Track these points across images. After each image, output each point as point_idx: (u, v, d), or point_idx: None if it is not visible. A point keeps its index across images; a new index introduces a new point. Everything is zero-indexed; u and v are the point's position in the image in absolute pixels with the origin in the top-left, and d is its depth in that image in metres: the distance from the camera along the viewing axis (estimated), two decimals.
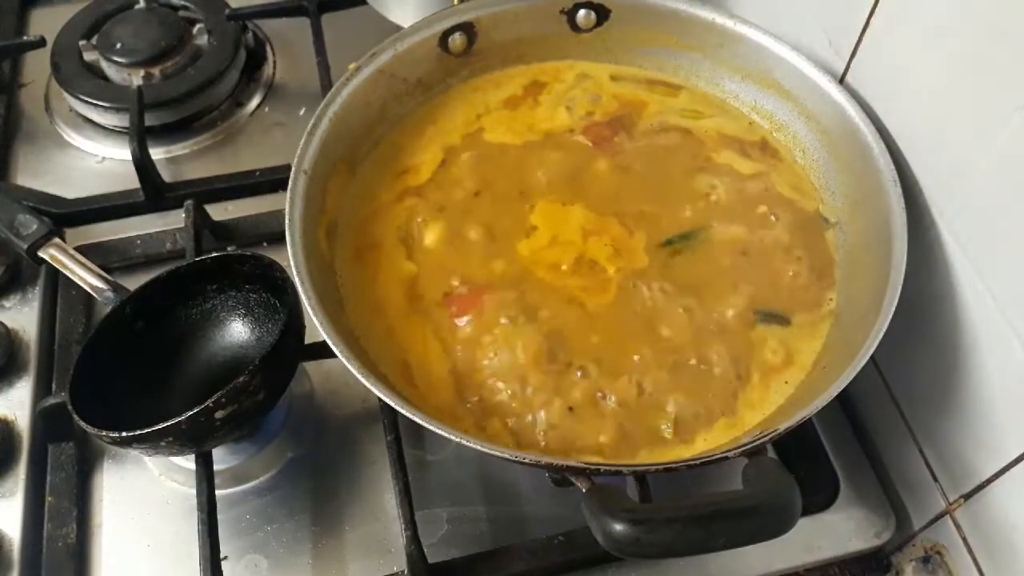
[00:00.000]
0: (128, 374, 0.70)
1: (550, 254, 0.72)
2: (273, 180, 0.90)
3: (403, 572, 0.66)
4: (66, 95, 0.99)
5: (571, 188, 0.76)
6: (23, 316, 0.83)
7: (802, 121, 0.76)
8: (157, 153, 0.94)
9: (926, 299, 0.65)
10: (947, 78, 0.60)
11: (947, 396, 0.65)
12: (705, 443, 0.63)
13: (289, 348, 0.68)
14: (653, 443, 0.63)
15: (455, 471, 0.75)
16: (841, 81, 0.72)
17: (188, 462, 0.73)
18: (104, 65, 1.00)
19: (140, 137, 0.88)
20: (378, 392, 0.58)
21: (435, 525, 0.72)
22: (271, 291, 0.72)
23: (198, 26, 1.03)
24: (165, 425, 0.61)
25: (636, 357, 0.66)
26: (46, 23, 1.06)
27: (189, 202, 0.83)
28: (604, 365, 0.66)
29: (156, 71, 0.99)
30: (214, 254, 0.74)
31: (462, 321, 0.68)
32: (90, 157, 0.97)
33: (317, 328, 0.60)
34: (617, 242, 0.72)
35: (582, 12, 0.82)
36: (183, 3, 1.06)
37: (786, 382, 0.66)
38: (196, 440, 0.65)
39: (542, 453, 0.62)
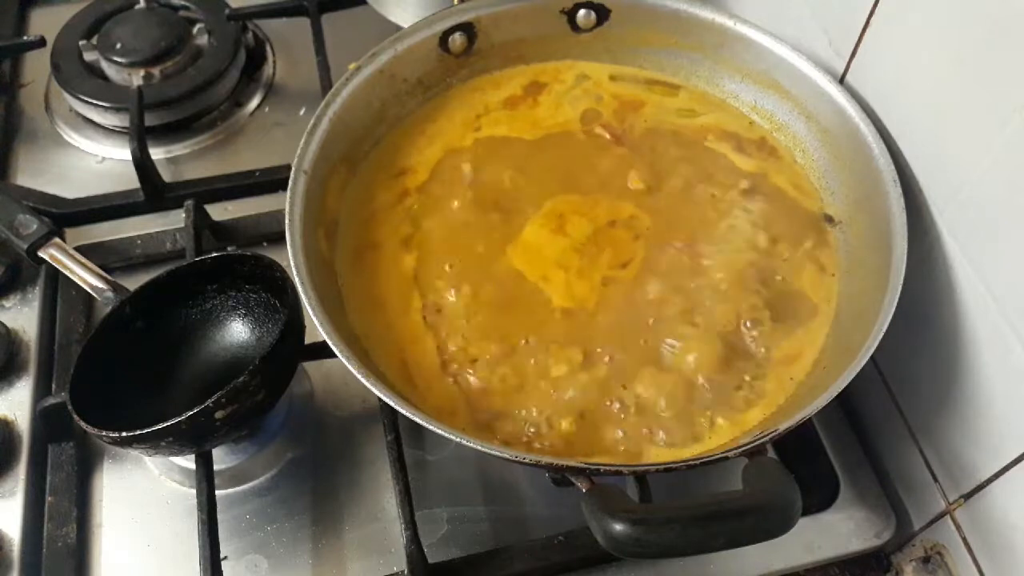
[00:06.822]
0: (128, 374, 0.70)
1: (551, 252, 0.72)
2: (273, 180, 0.90)
3: (403, 572, 0.66)
4: (66, 95, 0.99)
5: (574, 184, 0.76)
6: (23, 316, 0.82)
7: (802, 121, 0.76)
8: (157, 153, 0.94)
9: (926, 299, 0.65)
10: (947, 78, 0.60)
11: (947, 396, 0.65)
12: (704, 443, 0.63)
13: (289, 348, 0.68)
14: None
15: (455, 471, 0.75)
16: (841, 81, 0.72)
17: (188, 462, 0.73)
18: (104, 65, 1.00)
19: (140, 137, 0.88)
20: (378, 392, 0.58)
21: (435, 525, 0.72)
22: (271, 291, 0.72)
23: (198, 26, 1.03)
24: (165, 425, 0.61)
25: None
26: (46, 23, 1.06)
27: (189, 202, 0.83)
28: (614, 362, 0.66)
29: (156, 71, 0.99)
30: (214, 254, 0.74)
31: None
32: (90, 157, 0.97)
33: (317, 328, 0.60)
34: (619, 240, 0.72)
35: (582, 12, 0.82)
36: (183, 3, 1.06)
37: (791, 379, 0.66)
38: (196, 440, 0.65)
39: (543, 453, 0.62)
